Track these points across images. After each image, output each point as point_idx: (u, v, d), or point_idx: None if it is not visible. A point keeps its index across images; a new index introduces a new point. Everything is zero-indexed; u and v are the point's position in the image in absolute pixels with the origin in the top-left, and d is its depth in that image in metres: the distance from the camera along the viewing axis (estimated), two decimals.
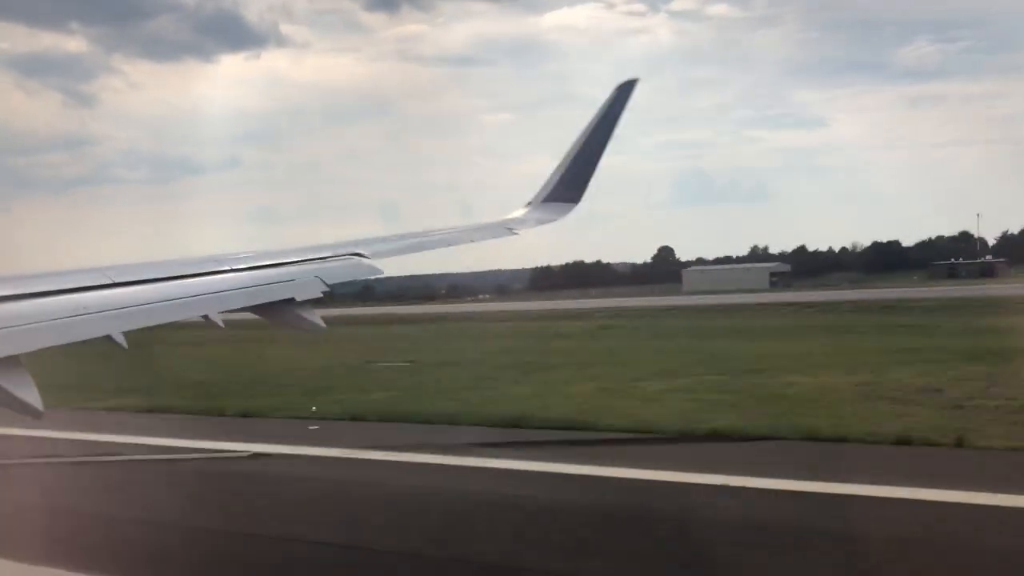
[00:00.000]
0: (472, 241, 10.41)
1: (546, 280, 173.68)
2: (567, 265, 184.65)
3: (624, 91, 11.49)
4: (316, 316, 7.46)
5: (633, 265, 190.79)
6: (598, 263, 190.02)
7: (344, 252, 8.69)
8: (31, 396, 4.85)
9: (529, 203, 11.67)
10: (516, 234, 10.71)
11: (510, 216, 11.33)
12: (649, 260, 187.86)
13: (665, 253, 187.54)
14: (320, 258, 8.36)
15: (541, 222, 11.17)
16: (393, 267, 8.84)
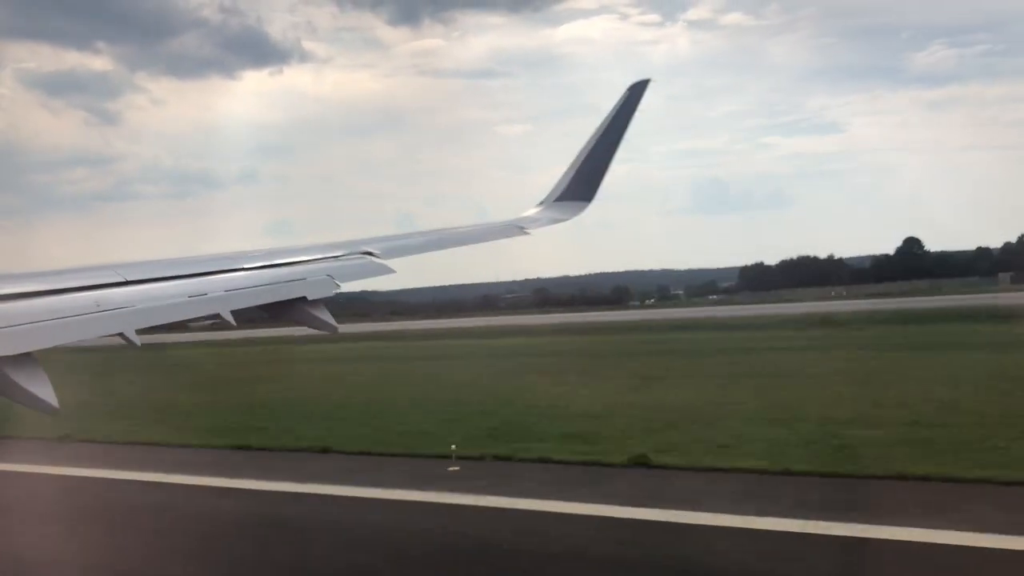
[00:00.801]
0: (484, 240, 10.45)
1: (760, 278, 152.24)
2: (786, 261, 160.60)
3: (636, 91, 11.48)
4: (328, 315, 7.52)
5: (873, 258, 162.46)
6: (829, 258, 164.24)
7: (355, 251, 8.74)
8: (46, 393, 4.89)
9: (541, 202, 11.68)
10: (528, 233, 10.74)
11: (522, 215, 11.35)
12: (892, 252, 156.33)
13: (912, 245, 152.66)
14: (331, 257, 8.41)
15: (554, 221, 11.18)
16: (404, 266, 8.91)
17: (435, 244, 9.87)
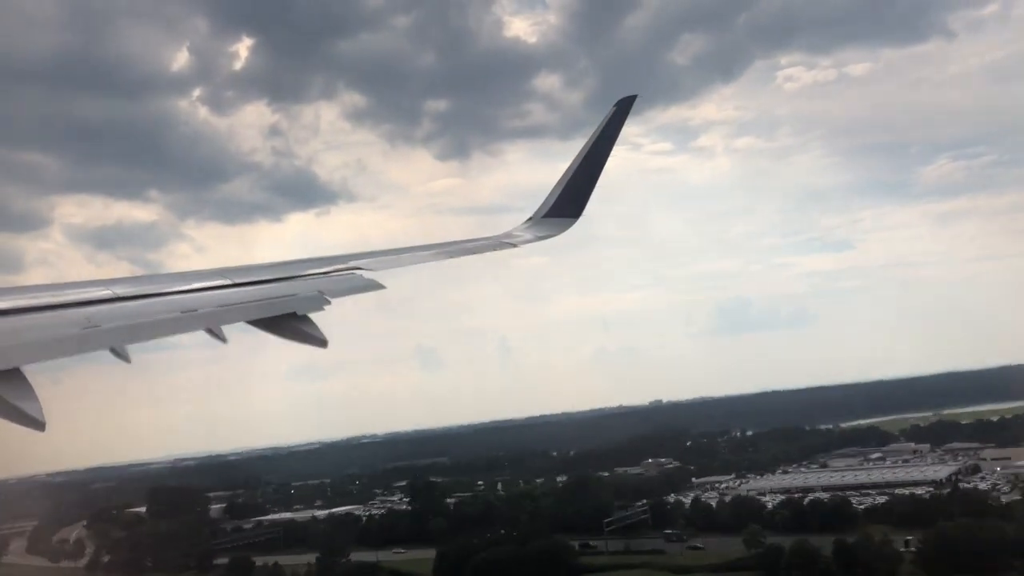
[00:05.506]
0: (473, 254, 10.53)
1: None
2: None
3: (623, 107, 11.59)
4: (318, 329, 7.57)
5: None
6: None
7: (344, 266, 8.82)
8: (33, 408, 4.92)
9: (529, 219, 11.77)
10: (515, 247, 10.83)
11: (509, 230, 11.44)
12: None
13: None
14: (321, 273, 8.49)
15: (540, 237, 11.28)
16: (394, 280, 8.95)
17: (425, 258, 9.94)
